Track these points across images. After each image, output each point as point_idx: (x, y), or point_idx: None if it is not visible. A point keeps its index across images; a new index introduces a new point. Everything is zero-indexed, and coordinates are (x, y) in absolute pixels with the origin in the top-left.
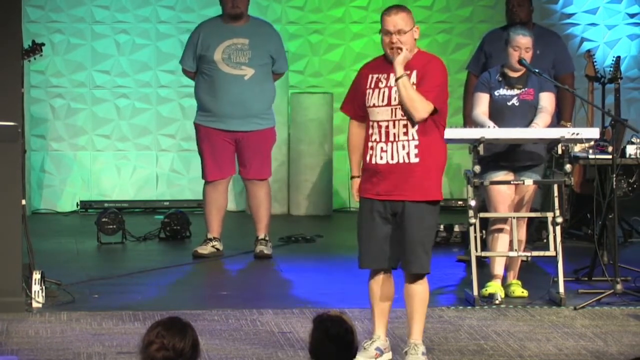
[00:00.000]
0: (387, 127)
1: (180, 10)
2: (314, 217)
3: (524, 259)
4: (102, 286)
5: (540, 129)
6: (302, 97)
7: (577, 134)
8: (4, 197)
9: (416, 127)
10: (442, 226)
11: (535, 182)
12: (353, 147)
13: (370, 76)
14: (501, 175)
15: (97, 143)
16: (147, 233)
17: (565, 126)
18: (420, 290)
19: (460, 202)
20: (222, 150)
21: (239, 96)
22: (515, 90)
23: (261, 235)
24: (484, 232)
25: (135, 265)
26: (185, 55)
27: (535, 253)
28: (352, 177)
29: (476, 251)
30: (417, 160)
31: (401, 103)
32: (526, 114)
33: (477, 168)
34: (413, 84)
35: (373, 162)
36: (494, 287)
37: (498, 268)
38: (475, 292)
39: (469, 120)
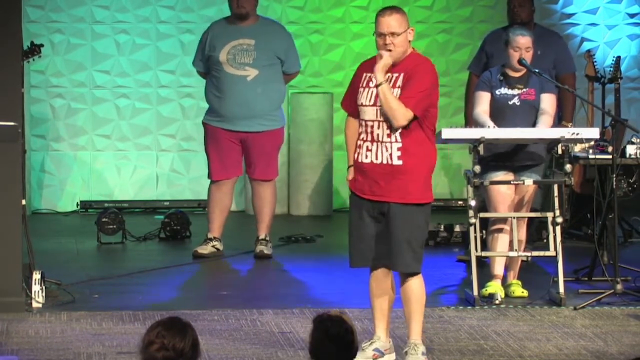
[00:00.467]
0: (372, 127)
1: (180, 10)
2: (314, 217)
3: (524, 259)
4: (102, 286)
5: (540, 129)
6: (302, 97)
7: (577, 134)
8: (4, 197)
9: (400, 129)
10: (442, 226)
11: (535, 182)
12: (350, 138)
13: (364, 75)
14: (501, 175)
15: (97, 143)
16: (147, 233)
17: (566, 126)
18: (414, 290)
19: (460, 202)
20: (228, 150)
21: (243, 97)
22: (516, 90)
23: (262, 236)
24: (484, 232)
25: (135, 265)
26: (196, 56)
27: (535, 253)
28: (349, 167)
29: (476, 251)
30: (400, 162)
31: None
32: (527, 114)
33: (477, 168)
34: (399, 86)
35: (360, 160)
36: (494, 287)
37: (498, 268)
38: (476, 292)
39: (470, 120)
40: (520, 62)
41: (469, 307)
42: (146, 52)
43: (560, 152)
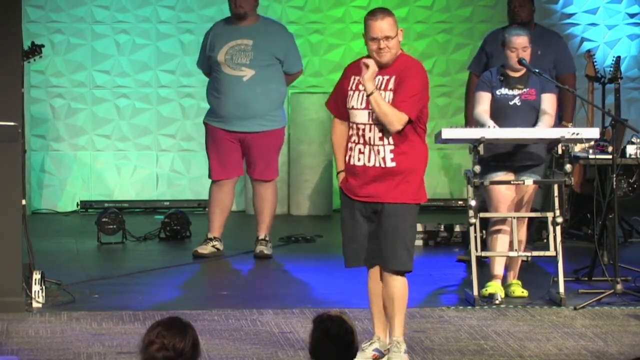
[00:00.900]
0: (364, 130)
1: (180, 10)
2: (314, 217)
3: (524, 259)
4: (102, 286)
5: (539, 129)
6: (302, 97)
7: (577, 134)
8: (4, 197)
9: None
10: (442, 226)
11: (535, 182)
12: (337, 144)
13: (353, 77)
14: (501, 175)
15: (97, 143)
16: (147, 233)
17: (566, 126)
18: (398, 288)
19: (460, 202)
20: (227, 150)
21: (241, 97)
22: (517, 90)
23: (261, 236)
24: (484, 232)
25: (135, 265)
26: (199, 57)
27: (535, 253)
28: (338, 172)
29: (476, 251)
30: (393, 164)
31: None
32: (528, 114)
33: (477, 168)
34: (390, 89)
35: (351, 162)
36: (494, 287)
37: (498, 268)
38: (476, 292)
39: (470, 120)
40: (520, 62)
41: (469, 307)
42: (146, 52)
43: (560, 152)
